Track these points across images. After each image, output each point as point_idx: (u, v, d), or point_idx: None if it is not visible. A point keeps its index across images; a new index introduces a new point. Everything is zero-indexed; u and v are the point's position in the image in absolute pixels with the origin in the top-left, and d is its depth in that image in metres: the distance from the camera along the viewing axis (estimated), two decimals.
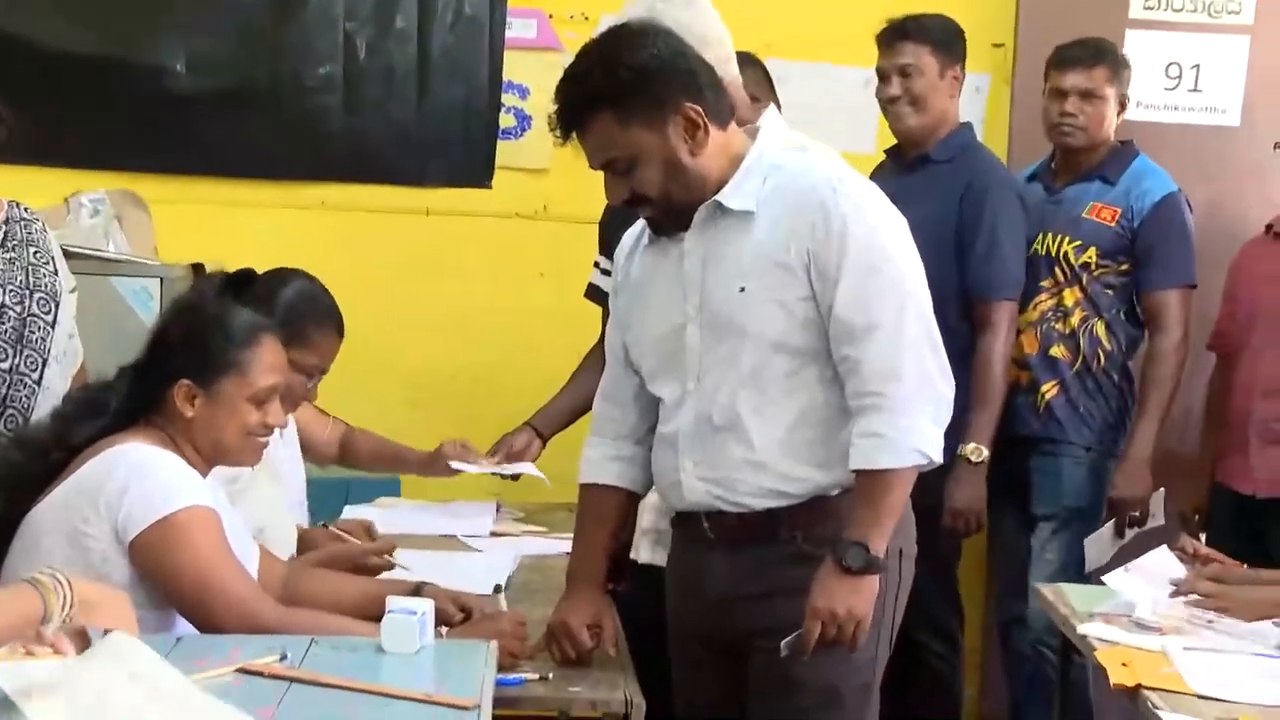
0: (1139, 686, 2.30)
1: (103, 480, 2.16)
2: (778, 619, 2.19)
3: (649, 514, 2.73)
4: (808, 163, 2.29)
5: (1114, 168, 3.57)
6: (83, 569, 2.09)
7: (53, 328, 3.13)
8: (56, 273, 3.17)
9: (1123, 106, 3.58)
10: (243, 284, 2.55)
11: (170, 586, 2.15)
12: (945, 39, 3.35)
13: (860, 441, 2.15)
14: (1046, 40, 3.70)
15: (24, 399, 3.08)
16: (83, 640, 1.66)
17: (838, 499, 2.23)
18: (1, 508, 2.28)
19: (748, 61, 3.22)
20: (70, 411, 2.38)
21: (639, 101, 2.18)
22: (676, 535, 2.42)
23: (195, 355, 2.32)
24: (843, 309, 2.16)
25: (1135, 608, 2.65)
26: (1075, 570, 3.42)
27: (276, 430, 2.60)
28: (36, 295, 3.12)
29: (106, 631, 1.67)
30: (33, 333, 3.10)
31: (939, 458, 2.20)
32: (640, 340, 2.37)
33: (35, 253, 3.14)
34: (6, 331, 3.04)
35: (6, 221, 3.11)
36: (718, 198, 2.23)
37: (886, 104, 3.43)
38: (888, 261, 2.18)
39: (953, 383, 2.24)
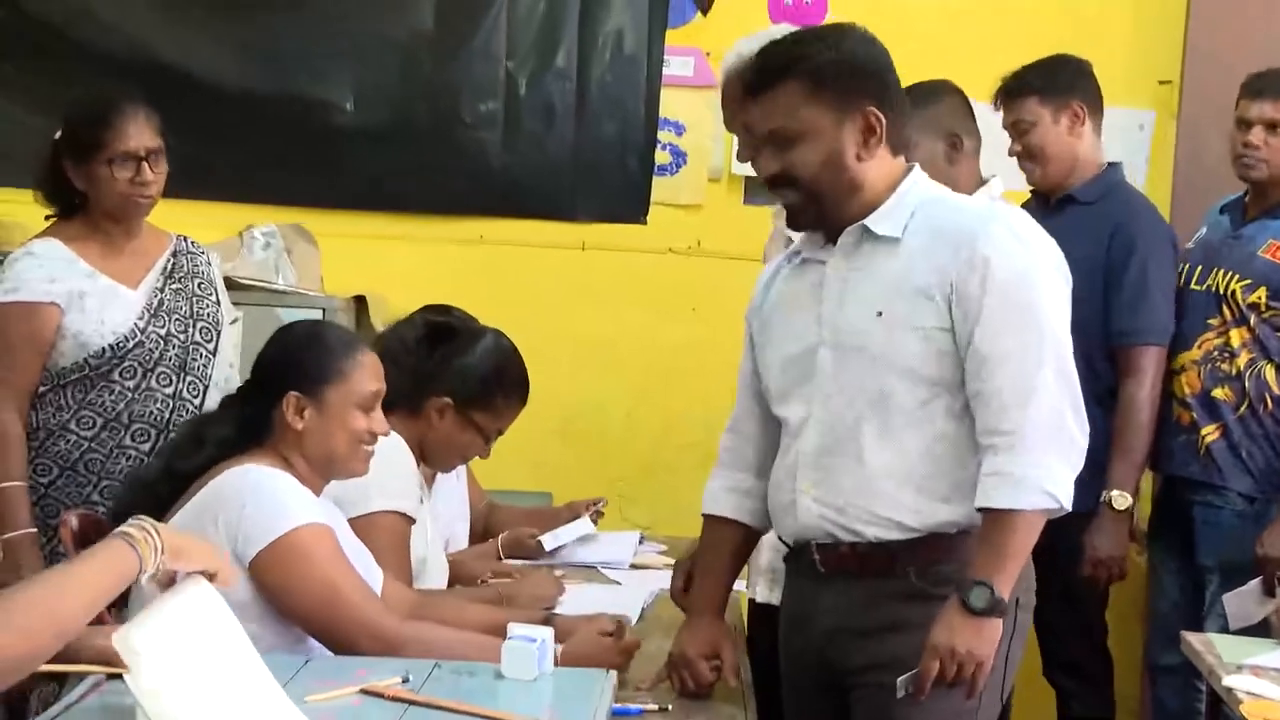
0: None
1: (220, 503, 2.24)
2: (888, 656, 2.17)
3: (766, 552, 2.73)
4: (965, 200, 2.32)
5: None
6: None
7: (214, 355, 3.27)
8: (219, 303, 3.30)
9: None
10: (443, 335, 2.66)
11: (294, 604, 2.21)
12: (1049, 82, 3.32)
13: (987, 479, 2.12)
14: (1214, 77, 3.64)
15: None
16: (171, 584, 1.77)
17: (957, 538, 2.20)
18: None
19: (948, 90, 3.33)
20: (175, 446, 2.49)
21: (833, 85, 2.21)
22: (789, 570, 2.39)
23: (298, 369, 2.40)
24: (981, 342, 2.14)
25: None
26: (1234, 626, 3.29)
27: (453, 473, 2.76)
28: (199, 324, 3.26)
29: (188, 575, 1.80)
30: (195, 360, 3.23)
31: (1069, 504, 2.15)
32: (772, 362, 2.36)
33: (200, 284, 3.28)
34: (171, 359, 3.16)
35: (175, 254, 3.26)
36: (866, 222, 2.23)
37: (1018, 161, 3.47)
38: (1033, 301, 2.15)
39: (1087, 429, 2.19)
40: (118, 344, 3.13)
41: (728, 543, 2.42)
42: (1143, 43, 4.03)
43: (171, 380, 3.21)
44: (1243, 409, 3.45)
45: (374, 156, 4.25)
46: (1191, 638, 2.90)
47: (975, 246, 2.16)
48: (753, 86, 2.26)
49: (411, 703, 1.74)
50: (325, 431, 2.36)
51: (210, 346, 3.29)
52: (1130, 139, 3.89)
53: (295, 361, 2.41)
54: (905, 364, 2.20)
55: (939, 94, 3.17)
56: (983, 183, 3.40)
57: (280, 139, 4.24)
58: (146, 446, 3.21)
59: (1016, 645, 2.28)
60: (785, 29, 2.56)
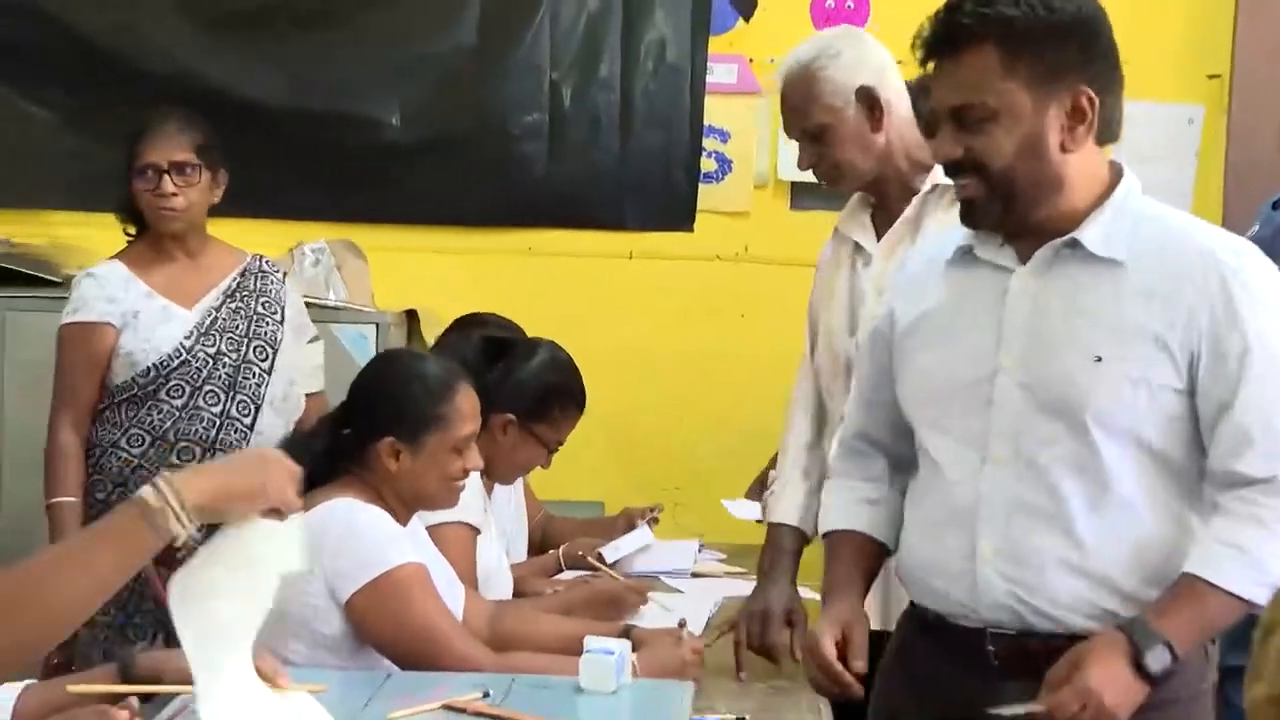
0: None
1: (315, 538, 2.24)
2: None
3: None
4: (1193, 220, 1.95)
5: None
6: (297, 621, 2.21)
7: (268, 375, 3.30)
8: (281, 323, 3.34)
9: None
10: (500, 349, 2.66)
11: (391, 643, 2.23)
12: None
13: (1215, 547, 1.79)
14: (1264, 70, 3.65)
15: (234, 442, 3.25)
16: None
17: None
18: None
19: None
20: None
21: (1040, 53, 1.84)
22: (921, 646, 1.98)
23: (398, 413, 2.40)
24: (1244, 416, 1.79)
25: None
26: None
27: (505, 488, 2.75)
28: (254, 344, 3.30)
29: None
30: (246, 379, 3.28)
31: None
32: (926, 381, 1.99)
33: (264, 303, 3.33)
34: (220, 377, 3.23)
35: (244, 274, 3.33)
36: (1076, 235, 1.86)
37: None
38: None
39: None
40: (162, 362, 3.19)
41: (866, 559, 2.06)
42: (1191, 36, 4.04)
43: (220, 399, 3.25)
44: None
45: (421, 171, 4.30)
46: None
47: (1229, 292, 1.80)
48: (935, 48, 1.89)
49: (494, 718, 1.77)
50: (419, 474, 2.37)
51: (265, 365, 3.32)
52: (1180, 134, 3.89)
53: (394, 404, 2.42)
54: (1127, 425, 1.84)
55: None
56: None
57: (327, 156, 4.30)
58: (192, 464, 3.23)
59: None
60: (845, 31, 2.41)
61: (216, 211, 3.32)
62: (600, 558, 3.15)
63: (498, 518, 2.94)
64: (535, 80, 4.30)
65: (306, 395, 3.53)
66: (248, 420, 3.29)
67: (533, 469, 2.95)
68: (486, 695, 1.85)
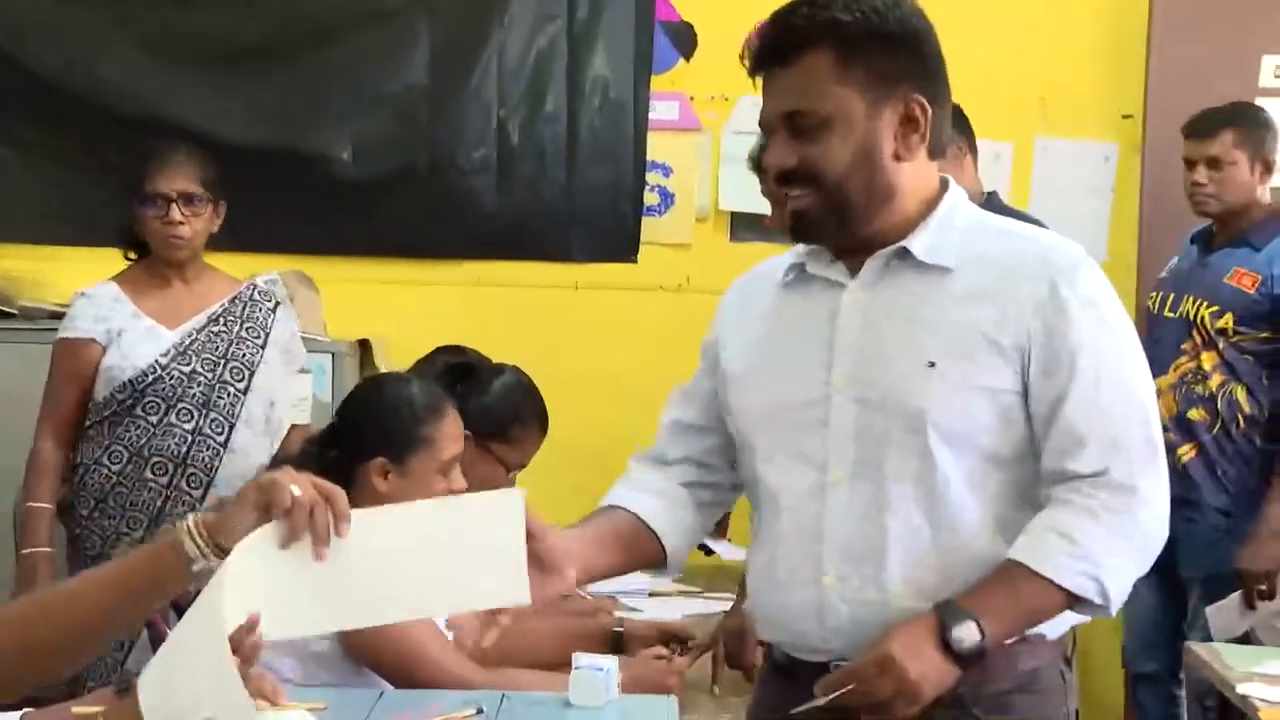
0: None
1: None
2: None
3: None
4: (1022, 227, 1.92)
5: (1262, 235, 3.62)
6: (287, 641, 2.20)
7: (244, 394, 3.41)
8: (264, 347, 3.46)
9: (1266, 169, 3.63)
10: (462, 374, 2.73)
11: (379, 660, 2.30)
12: None
13: (1042, 534, 1.73)
14: (1176, 109, 3.83)
15: (206, 459, 3.35)
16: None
17: (1020, 646, 1.80)
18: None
19: (957, 118, 3.28)
20: None
21: (873, 58, 1.79)
22: (776, 678, 1.91)
23: (386, 434, 2.46)
24: (1074, 415, 1.75)
25: None
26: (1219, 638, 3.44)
27: None
28: (230, 364, 3.41)
29: None
30: (221, 398, 3.38)
31: (1118, 598, 1.78)
32: (753, 408, 1.90)
33: (248, 328, 3.45)
34: (194, 395, 3.34)
35: (234, 300, 3.46)
36: (905, 244, 1.81)
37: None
38: (1130, 366, 1.81)
39: (1166, 526, 1.82)
40: (138, 379, 3.30)
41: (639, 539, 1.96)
42: (1105, 76, 4.23)
43: (193, 416, 3.36)
44: (1216, 429, 3.62)
45: (372, 204, 4.38)
46: (1198, 648, 2.99)
47: (1059, 293, 1.77)
48: (767, 56, 1.83)
49: None
50: (406, 495, 2.41)
51: (240, 386, 3.43)
52: (1097, 171, 4.09)
53: (383, 426, 2.49)
54: (964, 431, 1.78)
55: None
56: (984, 195, 3.54)
57: (281, 190, 4.35)
58: (165, 480, 3.36)
59: None
60: None
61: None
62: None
63: None
64: (484, 117, 4.39)
65: (292, 426, 3.63)
66: (221, 438, 3.39)
67: (460, 491, 2.97)
68: (480, 712, 1.96)
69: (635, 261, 4.38)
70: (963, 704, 1.74)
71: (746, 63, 1.80)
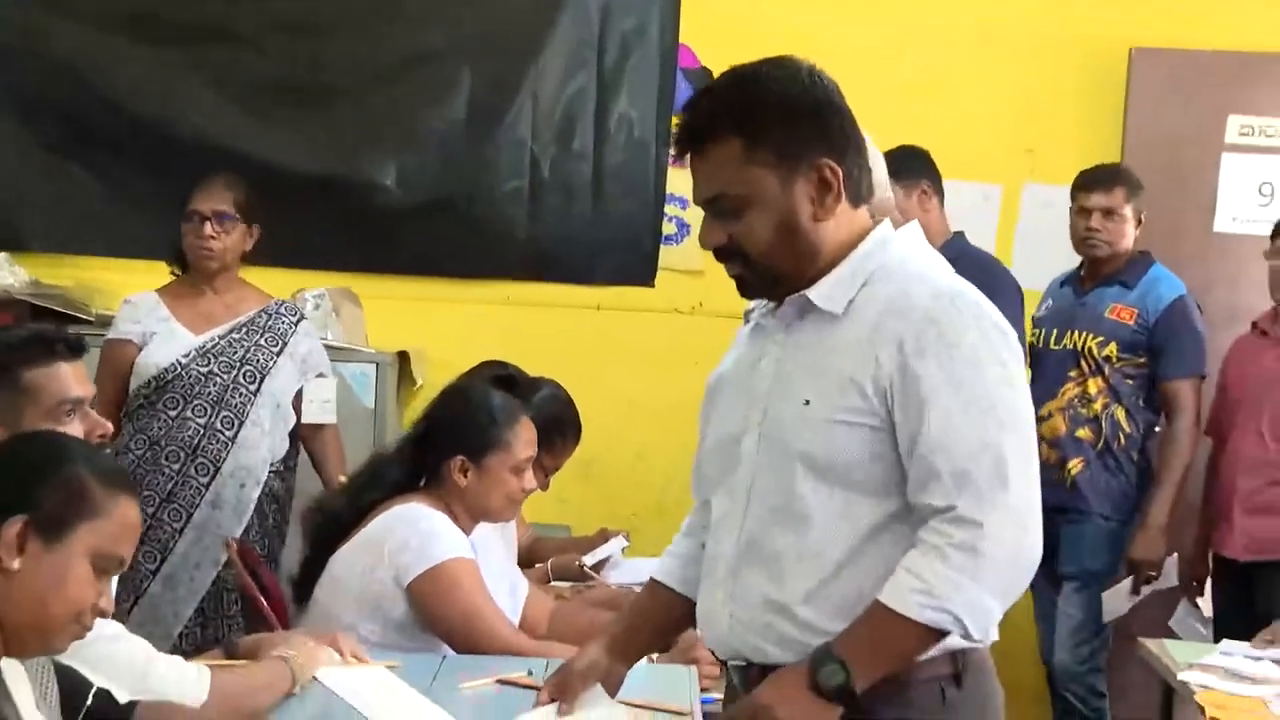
0: None
1: (387, 534, 2.65)
2: None
3: None
4: (924, 272, 1.93)
5: (1132, 274, 4.08)
6: (371, 605, 2.59)
7: (254, 396, 3.71)
8: (279, 354, 3.74)
9: (1139, 222, 4.08)
10: (506, 387, 3.01)
11: (441, 622, 2.61)
12: (900, 168, 3.44)
13: (899, 574, 1.79)
14: (1151, 162, 4.23)
15: (215, 450, 3.68)
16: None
17: (893, 681, 1.85)
18: (311, 554, 2.80)
19: (921, 161, 3.84)
20: (358, 481, 2.87)
21: (775, 137, 1.87)
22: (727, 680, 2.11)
23: (467, 435, 2.73)
24: (930, 451, 1.81)
25: (1233, 661, 3.09)
26: (1094, 622, 3.98)
27: (495, 529, 3.01)
28: (245, 368, 3.71)
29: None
30: (233, 398, 3.69)
31: (981, 635, 1.84)
32: (704, 440, 2.04)
33: (268, 338, 3.74)
34: (210, 394, 3.66)
35: (260, 313, 3.76)
36: (806, 292, 1.89)
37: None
38: (984, 401, 1.82)
39: (1037, 549, 1.87)
40: (159, 375, 3.63)
41: (667, 611, 2.14)
42: (1087, 131, 4.61)
43: (206, 412, 3.67)
44: (1100, 445, 4.07)
45: (412, 228, 4.68)
46: (1148, 643, 3.37)
47: (922, 334, 1.82)
48: (683, 145, 1.93)
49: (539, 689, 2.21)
50: (483, 490, 2.72)
51: (251, 388, 3.73)
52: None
53: (465, 426, 2.74)
54: (827, 462, 1.86)
55: (913, 158, 3.73)
56: (950, 234, 3.93)
57: (331, 214, 4.66)
58: (176, 466, 3.70)
59: None
60: None
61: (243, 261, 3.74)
62: (582, 565, 3.55)
63: (500, 535, 3.29)
64: (518, 152, 4.69)
65: (314, 427, 3.92)
66: (230, 433, 3.69)
67: (533, 490, 3.22)
68: (530, 674, 2.30)
69: (653, 286, 4.68)
70: None
71: (673, 150, 1.98)
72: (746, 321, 2.01)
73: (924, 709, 1.87)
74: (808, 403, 1.83)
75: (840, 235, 1.87)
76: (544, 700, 2.11)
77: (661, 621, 2.14)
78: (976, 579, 1.76)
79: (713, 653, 2.10)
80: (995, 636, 1.87)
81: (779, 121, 1.84)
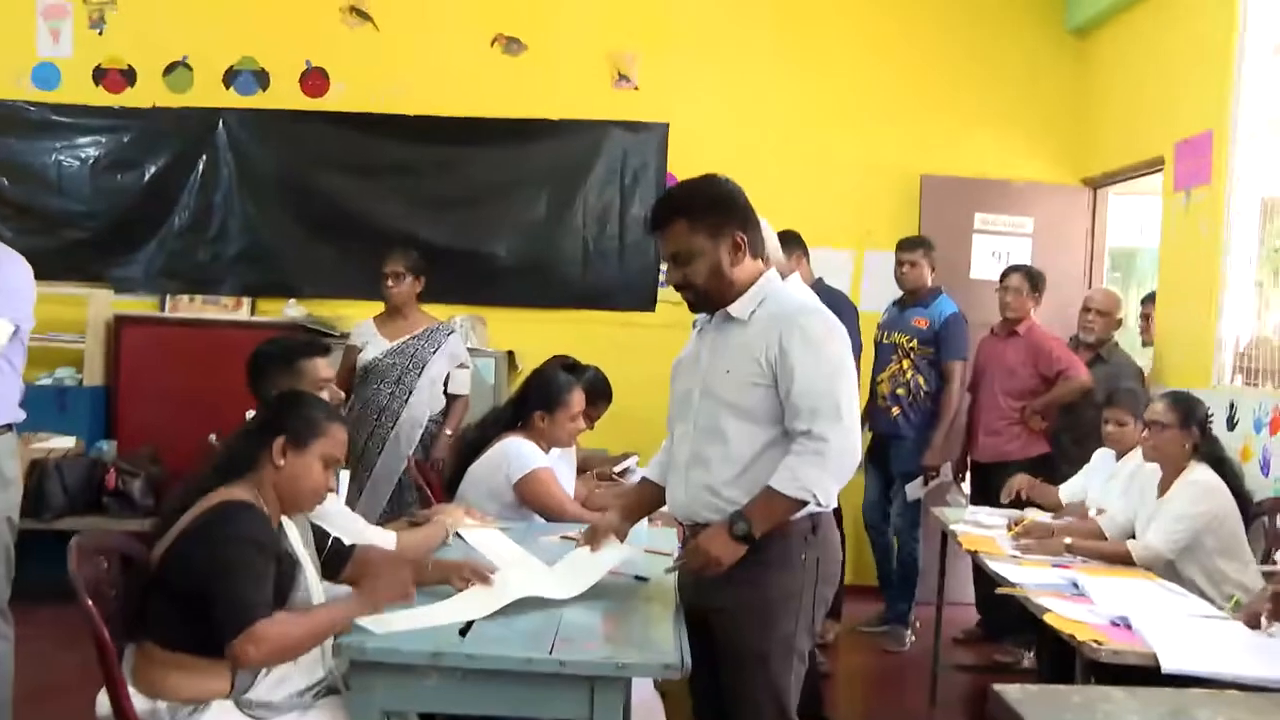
0: (976, 551, 3.93)
1: (501, 455, 3.70)
2: (730, 598, 2.53)
3: None
4: (793, 296, 2.64)
5: (928, 299, 5.52)
6: (492, 495, 3.58)
7: (418, 377, 4.94)
8: (434, 352, 4.95)
9: (932, 268, 5.56)
10: (570, 369, 4.26)
11: (533, 501, 3.55)
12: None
13: (782, 471, 2.47)
14: (935, 236, 5.96)
15: (395, 409, 4.93)
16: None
17: (774, 532, 2.51)
18: (456, 465, 3.87)
19: (796, 238, 4.95)
20: (484, 424, 3.84)
21: (707, 219, 2.51)
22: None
23: (547, 397, 3.64)
24: (797, 397, 2.45)
25: (977, 517, 4.50)
26: (910, 501, 5.58)
27: (561, 451, 3.90)
28: (414, 360, 4.99)
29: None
30: (405, 378, 4.93)
31: (826, 504, 2.52)
32: (672, 396, 2.71)
33: (430, 344, 5.04)
34: (393, 376, 4.94)
35: (427, 330, 5.09)
36: (728, 309, 2.54)
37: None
38: (827, 368, 2.47)
39: (859, 452, 2.52)
40: (367, 366, 4.99)
41: (644, 489, 2.82)
42: (902, 222, 6.37)
43: (392, 387, 4.96)
44: (909, 399, 5.57)
45: (515, 280, 6.61)
46: (934, 510, 4.74)
47: (788, 330, 2.46)
48: (653, 226, 2.57)
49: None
50: (557, 430, 3.77)
51: (416, 373, 4.98)
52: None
53: (545, 392, 3.77)
54: (741, 405, 2.49)
55: (792, 237, 4.93)
56: (814, 278, 5.01)
57: (468, 271, 6.59)
58: (374, 417, 4.95)
59: (820, 601, 2.63)
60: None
61: (422, 299, 5.24)
62: (611, 473, 4.84)
63: (566, 457, 4.25)
64: (575, 235, 6.64)
65: (455, 395, 5.17)
66: (404, 398, 4.92)
67: (582, 431, 4.19)
68: (579, 533, 2.96)
69: (654, 311, 6.57)
70: (744, 561, 2.48)
71: (647, 228, 2.63)
72: (695, 327, 2.77)
73: (795, 545, 2.59)
74: (728, 372, 2.55)
75: (745, 276, 2.59)
76: (582, 544, 2.85)
77: (649, 500, 2.93)
78: (823, 470, 2.49)
79: (675, 519, 2.85)
80: (834, 504, 2.56)
81: (708, 209, 2.55)
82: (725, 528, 2.57)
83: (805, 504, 2.57)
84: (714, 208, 2.61)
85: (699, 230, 2.59)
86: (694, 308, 2.74)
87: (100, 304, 6.65)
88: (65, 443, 6.19)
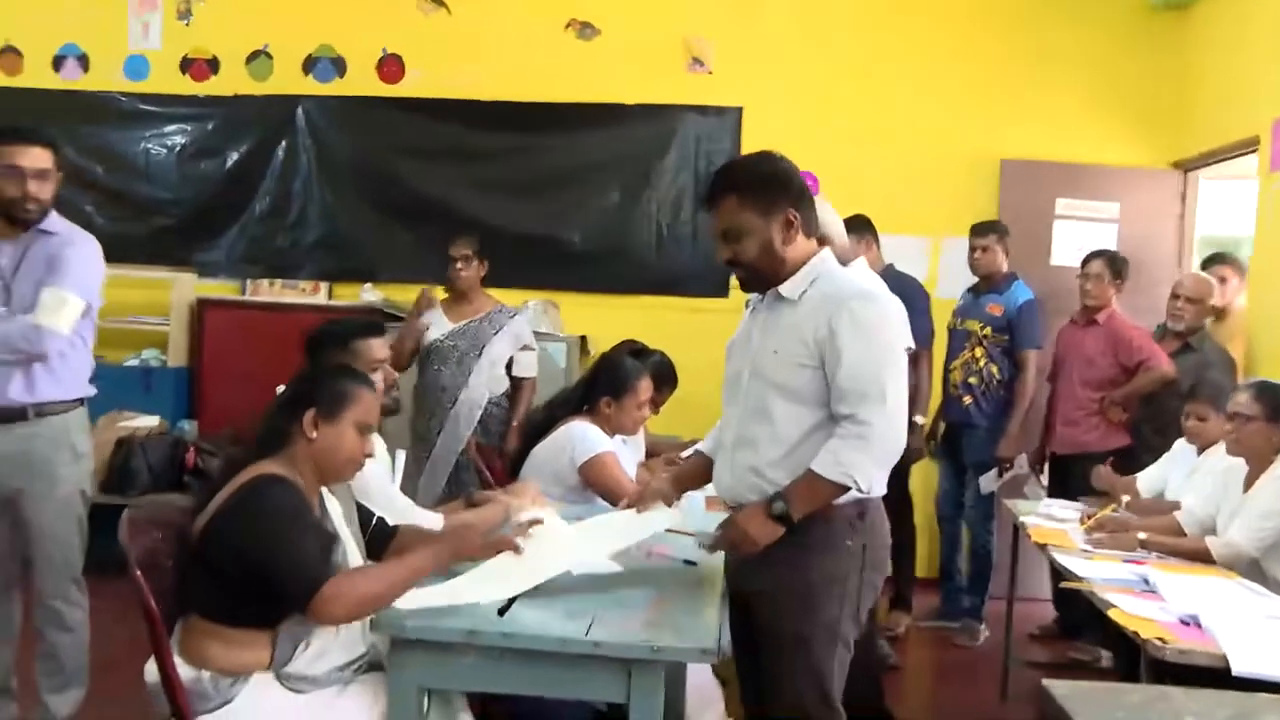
0: (1045, 544, 3.81)
1: (566, 438, 3.79)
2: (771, 580, 2.55)
3: None
4: (849, 279, 2.60)
5: (1003, 285, 5.51)
6: (556, 478, 3.65)
7: (479, 358, 5.04)
8: (496, 334, 5.03)
9: (1007, 253, 5.55)
10: (638, 354, 4.30)
11: (596, 484, 3.63)
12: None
13: (824, 454, 2.48)
14: (1014, 223, 5.95)
15: (454, 389, 5.01)
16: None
17: (817, 515, 2.51)
18: (520, 447, 3.98)
19: (866, 223, 4.92)
20: (548, 408, 3.94)
21: (759, 196, 2.51)
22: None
23: (614, 382, 3.72)
24: (843, 380, 2.45)
25: (1050, 510, 4.41)
26: (983, 493, 5.51)
27: (627, 438, 3.98)
28: (475, 342, 5.06)
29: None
30: (466, 359, 5.03)
31: (868, 489, 2.50)
32: (726, 374, 2.73)
33: (492, 325, 5.13)
34: (454, 357, 5.05)
35: (490, 312, 5.18)
36: (779, 288, 2.52)
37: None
38: (876, 352, 2.46)
39: (904, 439, 2.52)
40: (430, 345, 5.08)
41: (700, 460, 2.84)
42: (978, 211, 6.35)
43: (452, 368, 5.04)
44: (982, 387, 5.51)
45: (588, 265, 6.69)
46: (1007, 502, 4.64)
47: (838, 315, 2.44)
48: (707, 202, 2.59)
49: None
50: (623, 414, 3.83)
51: (476, 354, 5.07)
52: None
53: (613, 377, 3.84)
54: (789, 387, 2.49)
55: (861, 221, 4.93)
56: (883, 264, 5.00)
57: (542, 256, 6.64)
58: (434, 397, 5.04)
59: (868, 588, 2.62)
60: None
61: (487, 282, 5.29)
62: (676, 456, 4.55)
63: (630, 442, 4.32)
64: (649, 221, 6.70)
65: (521, 378, 5.21)
66: (464, 379, 5.00)
67: (649, 416, 4.27)
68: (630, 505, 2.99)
69: (727, 296, 6.47)
70: (785, 543, 2.49)
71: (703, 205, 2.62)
72: (748, 307, 2.76)
73: (840, 530, 2.59)
74: (776, 352, 2.53)
75: (798, 255, 2.57)
76: (629, 506, 2.97)
77: (700, 471, 2.97)
78: (866, 454, 2.48)
79: (722, 502, 2.79)
80: (881, 491, 2.55)
81: (760, 186, 2.54)
82: (763, 507, 2.58)
83: (847, 489, 2.57)
84: (766, 185, 2.60)
85: (749, 207, 2.57)
86: (745, 286, 2.73)
87: (184, 288, 6.93)
88: (150, 422, 6.43)
